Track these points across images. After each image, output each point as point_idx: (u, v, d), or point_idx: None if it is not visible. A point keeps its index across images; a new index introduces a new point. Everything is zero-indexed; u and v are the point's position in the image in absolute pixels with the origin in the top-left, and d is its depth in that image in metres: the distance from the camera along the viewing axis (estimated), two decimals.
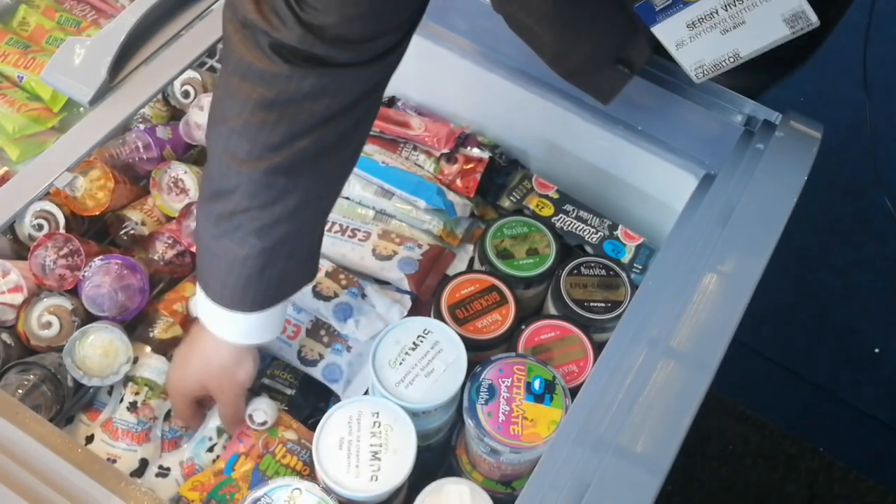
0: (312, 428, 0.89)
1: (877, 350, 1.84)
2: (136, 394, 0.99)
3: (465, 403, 0.88)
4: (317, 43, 0.71)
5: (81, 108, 0.90)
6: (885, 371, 1.82)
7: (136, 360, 1.00)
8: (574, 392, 0.86)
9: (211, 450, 0.97)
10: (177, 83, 1.17)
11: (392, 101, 1.20)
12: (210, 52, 1.08)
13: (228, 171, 0.77)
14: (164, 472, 0.95)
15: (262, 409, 0.94)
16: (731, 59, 0.84)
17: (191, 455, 0.96)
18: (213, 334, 0.88)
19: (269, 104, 0.73)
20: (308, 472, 0.93)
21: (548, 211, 1.10)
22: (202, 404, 0.97)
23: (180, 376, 0.94)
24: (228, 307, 0.83)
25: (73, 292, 1.02)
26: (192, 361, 0.92)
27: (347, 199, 1.12)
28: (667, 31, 0.82)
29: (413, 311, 1.02)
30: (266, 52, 0.71)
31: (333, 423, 0.87)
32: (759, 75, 1.12)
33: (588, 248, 1.08)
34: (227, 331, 0.87)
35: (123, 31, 0.81)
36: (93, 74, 0.79)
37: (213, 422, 0.96)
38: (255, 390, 0.97)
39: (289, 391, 0.98)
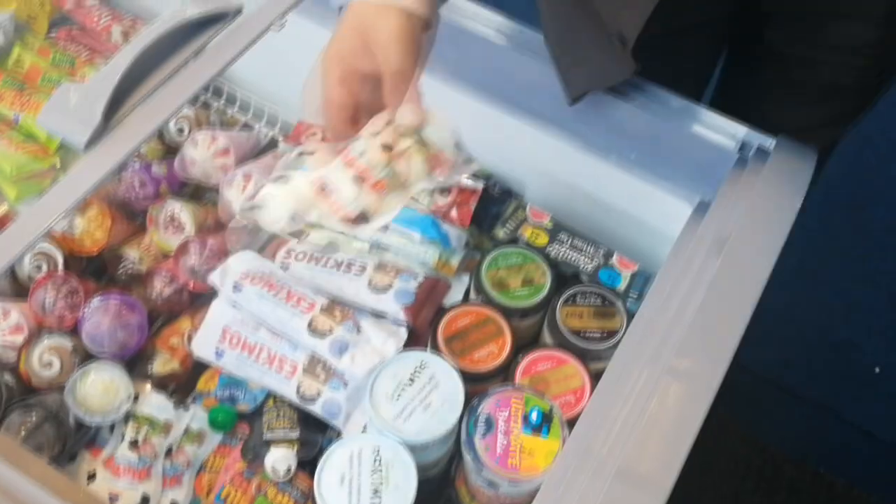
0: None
1: (877, 369, 1.84)
2: (137, 431, 1.00)
3: (463, 437, 0.88)
4: None
5: None
6: (887, 389, 1.81)
7: (136, 397, 1.01)
8: (571, 422, 0.86)
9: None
10: (171, 120, 1.18)
11: None
12: (205, 87, 1.09)
13: None
14: None
15: (282, 458, 0.96)
16: None
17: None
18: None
19: None
20: None
21: (542, 240, 1.11)
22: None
23: (338, 41, 0.82)
24: None
25: (74, 331, 1.03)
26: (357, 25, 0.81)
27: (342, 233, 1.13)
28: None
29: (409, 343, 1.02)
30: None
31: (335, 459, 0.88)
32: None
33: (583, 277, 1.08)
34: None
35: (117, 74, 0.82)
36: (87, 119, 0.80)
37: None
38: (262, 448, 0.98)
39: (293, 434, 0.98)
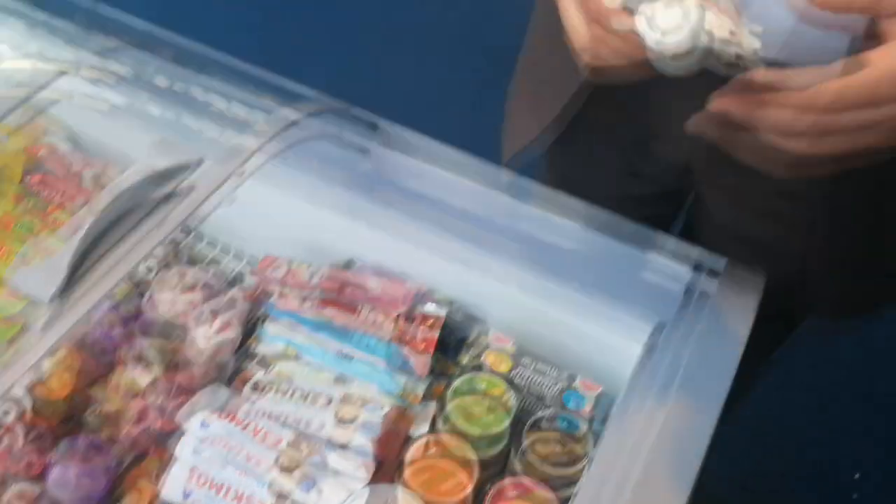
0: None
1: (857, 475, 1.83)
2: None
3: None
4: None
5: None
6: (869, 497, 1.80)
7: None
8: None
9: None
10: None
11: (350, 264, 1.24)
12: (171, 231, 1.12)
13: None
14: None
15: None
16: None
17: None
18: None
19: None
20: None
21: (505, 366, 1.12)
22: None
23: None
24: None
25: (41, 476, 1.03)
26: None
27: (308, 365, 1.15)
28: None
29: (377, 474, 1.02)
30: None
31: None
32: None
33: (548, 402, 1.10)
34: None
35: (81, 230, 0.85)
36: (52, 275, 0.82)
37: None
38: None
39: None
